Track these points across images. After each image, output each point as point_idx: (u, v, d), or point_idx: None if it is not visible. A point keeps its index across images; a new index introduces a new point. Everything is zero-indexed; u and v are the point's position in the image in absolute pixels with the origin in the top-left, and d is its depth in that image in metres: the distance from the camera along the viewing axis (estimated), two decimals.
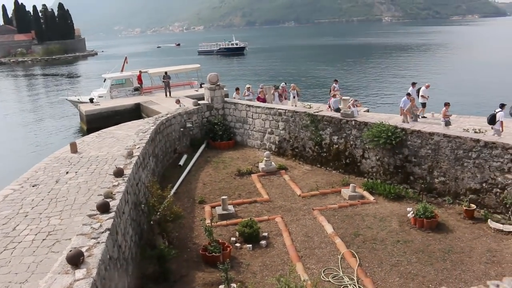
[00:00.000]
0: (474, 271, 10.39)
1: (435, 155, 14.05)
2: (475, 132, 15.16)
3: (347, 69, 63.54)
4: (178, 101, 25.61)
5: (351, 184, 15.01)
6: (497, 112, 16.65)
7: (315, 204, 14.34)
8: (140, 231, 11.47)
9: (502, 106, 16.95)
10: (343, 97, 20.33)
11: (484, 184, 13.11)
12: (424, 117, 21.66)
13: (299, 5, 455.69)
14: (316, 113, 17.57)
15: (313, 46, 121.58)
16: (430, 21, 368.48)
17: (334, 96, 22.39)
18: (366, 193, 14.91)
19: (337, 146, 16.91)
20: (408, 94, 20.41)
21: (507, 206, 12.57)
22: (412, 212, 12.83)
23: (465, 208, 13.05)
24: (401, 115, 20.21)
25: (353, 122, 16.18)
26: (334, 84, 24.91)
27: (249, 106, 20.68)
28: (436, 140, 13.95)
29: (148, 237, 11.85)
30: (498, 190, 12.82)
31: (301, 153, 18.44)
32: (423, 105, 22.22)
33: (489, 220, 12.61)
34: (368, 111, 25.31)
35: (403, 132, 14.66)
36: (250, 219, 12.71)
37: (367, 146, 15.79)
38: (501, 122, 16.57)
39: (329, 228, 12.59)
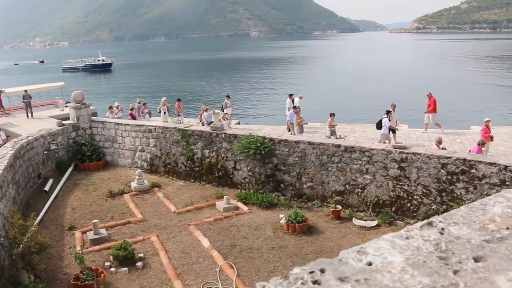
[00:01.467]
0: None
1: (302, 162, 14.77)
2: (337, 138, 16.26)
3: (218, 82, 64.63)
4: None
5: (225, 197, 15.15)
6: (383, 118, 18.23)
7: (190, 220, 14.20)
8: (0, 268, 10.35)
9: (387, 112, 18.60)
10: (215, 111, 20.60)
11: (347, 186, 14.08)
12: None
13: (168, 20, 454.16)
14: (187, 128, 17.51)
15: (184, 61, 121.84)
16: (295, 35, 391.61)
17: (205, 110, 22.53)
18: (240, 204, 15.15)
19: (209, 159, 16.99)
20: (294, 107, 21.07)
21: (368, 204, 13.64)
22: (284, 218, 13.31)
23: (332, 209, 13.88)
24: (287, 127, 20.93)
25: (223, 135, 16.40)
26: (226, 100, 24.55)
27: (118, 124, 19.94)
28: (302, 148, 14.68)
29: (10, 274, 10.74)
30: (359, 190, 13.85)
31: (174, 169, 18.20)
32: None
33: (353, 218, 13.55)
34: (239, 123, 25.90)
35: (271, 142, 15.21)
36: (124, 241, 12.19)
37: (238, 158, 16.09)
38: (388, 127, 18.20)
39: (205, 242, 12.53)
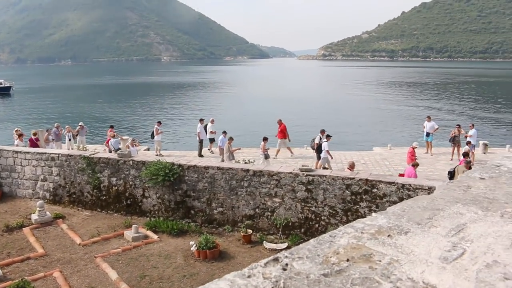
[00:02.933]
0: None
1: (212, 187, 14.78)
2: (245, 162, 16.50)
3: (127, 107, 63.10)
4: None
5: (133, 225, 14.71)
6: (322, 142, 18.67)
7: (97, 251, 13.59)
8: None
9: (327, 136, 19.14)
10: (123, 137, 20.07)
11: (257, 210, 14.29)
12: (212, 152, 22.95)
13: (76, 43, 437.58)
14: (92, 155, 16.88)
15: (92, 85, 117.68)
16: (206, 60, 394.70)
17: (113, 136, 21.90)
18: (149, 233, 14.78)
19: (116, 187, 16.46)
20: (224, 132, 20.87)
21: (278, 226, 13.92)
22: (195, 245, 13.17)
23: (243, 234, 13.98)
24: (220, 154, 20.75)
25: (131, 162, 16.02)
26: (156, 126, 23.73)
27: (16, 152, 18.73)
28: (211, 173, 14.72)
29: None
30: (269, 213, 14.12)
31: (79, 198, 17.40)
32: (212, 140, 23.43)
33: (264, 241, 13.74)
34: (148, 149, 25.43)
35: (180, 168, 15.09)
36: (22, 279, 11.34)
37: (147, 185, 15.76)
38: (327, 151, 18.70)
39: (113, 275, 12.04)
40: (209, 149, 23.81)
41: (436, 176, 17.72)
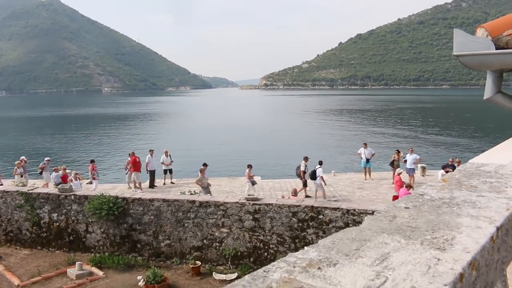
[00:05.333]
0: None
1: (158, 220, 14.58)
2: (191, 194, 16.42)
3: (69, 140, 61.14)
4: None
5: (77, 262, 14.18)
6: (317, 169, 18.70)
7: None
8: None
9: (320, 163, 19.31)
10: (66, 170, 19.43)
11: (205, 241, 14.20)
12: (172, 183, 22.68)
13: (11, 73, 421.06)
14: (31, 191, 16.23)
15: (29, 118, 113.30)
16: (148, 91, 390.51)
17: (55, 170, 21.13)
18: (94, 269, 14.29)
19: (58, 223, 15.85)
20: (205, 164, 19.96)
21: (226, 257, 13.88)
22: (142, 280, 12.88)
23: (191, 266, 13.83)
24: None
25: (73, 197, 15.54)
26: (129, 158, 22.52)
27: None
28: (157, 206, 14.53)
29: None
30: (217, 244, 14.07)
31: (17, 236, 16.58)
32: (166, 171, 23.06)
33: (213, 273, 13.64)
34: (91, 182, 24.68)
35: (124, 202, 14.81)
36: None
37: (90, 220, 15.30)
38: (321, 177, 18.82)
39: None
40: (164, 182, 23.29)
41: (379, 200, 18.35)
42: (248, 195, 14.29)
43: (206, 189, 18.06)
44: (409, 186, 15.76)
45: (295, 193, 15.44)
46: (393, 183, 21.59)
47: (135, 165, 21.58)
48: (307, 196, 19.30)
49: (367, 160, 23.34)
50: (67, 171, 21.82)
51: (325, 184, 19.64)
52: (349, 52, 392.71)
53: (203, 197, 14.72)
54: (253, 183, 19.65)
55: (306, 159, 20.41)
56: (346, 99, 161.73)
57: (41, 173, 22.76)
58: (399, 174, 18.82)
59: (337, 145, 47.84)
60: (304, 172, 19.77)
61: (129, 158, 22.21)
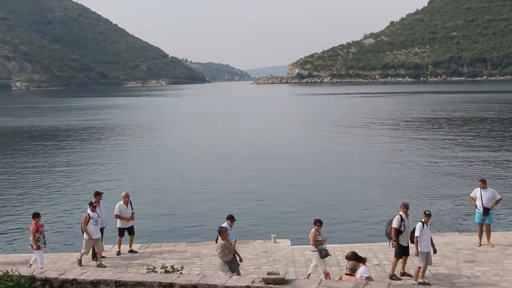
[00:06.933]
0: None
1: None
2: (166, 271, 9.84)
3: None
4: None
5: None
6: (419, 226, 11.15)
7: None
8: None
9: (428, 215, 11.47)
10: None
11: None
12: (133, 251, 14.95)
13: None
14: None
15: None
16: (94, 88, 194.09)
17: None
18: None
19: None
20: (231, 218, 13.09)
21: None
22: None
23: None
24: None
25: None
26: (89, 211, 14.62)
27: None
28: None
29: None
30: None
31: None
32: (123, 232, 15.40)
33: None
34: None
35: (46, 286, 8.33)
36: None
37: None
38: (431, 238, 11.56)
39: None
40: (118, 250, 15.24)
41: (507, 283, 10.60)
42: (269, 273, 7.88)
43: (233, 263, 10.64)
44: None
45: (353, 269, 8.65)
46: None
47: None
48: (403, 274, 11.93)
49: (486, 211, 14.16)
50: None
51: (434, 252, 11.79)
52: (447, 17, 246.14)
53: (186, 278, 8.27)
54: (324, 253, 11.38)
55: (405, 207, 12.01)
56: (443, 100, 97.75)
57: None
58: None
59: (430, 182, 26.08)
60: (398, 231, 11.76)
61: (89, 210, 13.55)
